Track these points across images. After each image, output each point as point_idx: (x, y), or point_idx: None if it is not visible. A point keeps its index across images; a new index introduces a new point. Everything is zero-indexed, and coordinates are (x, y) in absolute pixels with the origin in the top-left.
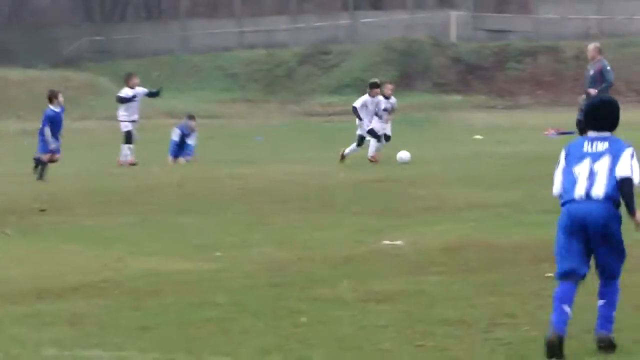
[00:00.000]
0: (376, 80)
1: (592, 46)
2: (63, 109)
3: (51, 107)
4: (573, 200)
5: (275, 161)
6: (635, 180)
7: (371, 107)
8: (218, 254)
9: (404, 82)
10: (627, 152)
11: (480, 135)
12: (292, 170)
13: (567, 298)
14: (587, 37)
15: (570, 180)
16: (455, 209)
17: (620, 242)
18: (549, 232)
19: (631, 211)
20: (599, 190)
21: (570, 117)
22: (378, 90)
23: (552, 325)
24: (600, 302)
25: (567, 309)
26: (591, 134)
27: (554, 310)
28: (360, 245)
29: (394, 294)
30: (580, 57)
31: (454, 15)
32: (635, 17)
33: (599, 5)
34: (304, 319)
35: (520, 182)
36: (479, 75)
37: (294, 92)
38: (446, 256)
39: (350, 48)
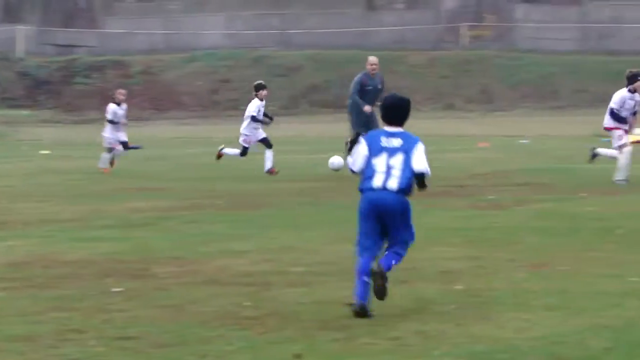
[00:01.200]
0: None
1: (376, 59)
2: None
3: None
4: (371, 189)
5: None
6: (429, 172)
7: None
8: None
9: None
10: (419, 147)
11: (47, 150)
12: None
13: (366, 270)
14: (154, 51)
15: (369, 171)
16: (22, 224)
17: (409, 223)
18: (113, 247)
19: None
20: (393, 183)
21: (136, 132)
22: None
23: (357, 297)
24: (388, 251)
25: (366, 278)
26: (387, 128)
27: (357, 283)
28: None
29: None
30: (147, 72)
31: (20, 29)
32: (200, 32)
33: (165, 21)
34: None
35: (87, 197)
36: (46, 89)
37: None
38: (11, 272)
39: None
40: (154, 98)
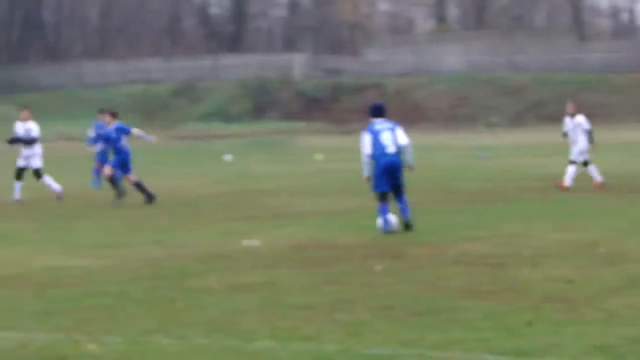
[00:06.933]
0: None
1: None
2: None
3: None
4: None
5: (152, 176)
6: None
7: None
8: (106, 252)
9: (257, 112)
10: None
11: (320, 155)
12: (168, 184)
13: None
14: (405, 75)
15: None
16: (301, 215)
17: None
18: (375, 233)
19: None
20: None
21: None
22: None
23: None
24: (401, 205)
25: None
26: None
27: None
28: (224, 245)
29: (253, 284)
30: (400, 91)
31: (297, 57)
32: (442, 58)
33: (414, 49)
34: (180, 305)
35: (353, 193)
36: (318, 106)
37: (169, 120)
38: (295, 253)
39: (213, 84)
40: (406, 113)
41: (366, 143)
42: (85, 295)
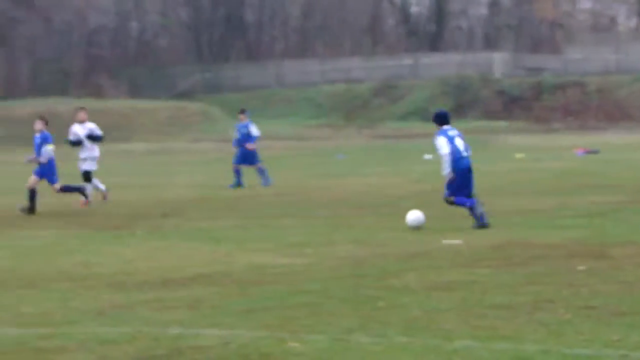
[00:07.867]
0: None
1: None
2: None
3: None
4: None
5: (353, 175)
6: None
7: None
8: (309, 250)
9: (458, 111)
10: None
11: (522, 154)
12: (367, 182)
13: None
14: (607, 73)
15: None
16: (501, 214)
17: None
18: (579, 233)
19: None
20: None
21: (594, 139)
22: None
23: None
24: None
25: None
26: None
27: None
28: (424, 243)
29: (452, 283)
30: (602, 90)
31: (498, 55)
32: None
33: (617, 47)
34: (381, 304)
35: (555, 192)
36: (519, 105)
37: (369, 119)
38: (495, 252)
39: (413, 83)
40: (608, 111)
41: (444, 144)
42: (288, 293)
